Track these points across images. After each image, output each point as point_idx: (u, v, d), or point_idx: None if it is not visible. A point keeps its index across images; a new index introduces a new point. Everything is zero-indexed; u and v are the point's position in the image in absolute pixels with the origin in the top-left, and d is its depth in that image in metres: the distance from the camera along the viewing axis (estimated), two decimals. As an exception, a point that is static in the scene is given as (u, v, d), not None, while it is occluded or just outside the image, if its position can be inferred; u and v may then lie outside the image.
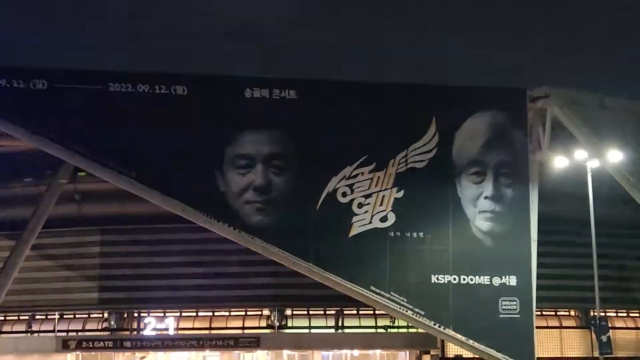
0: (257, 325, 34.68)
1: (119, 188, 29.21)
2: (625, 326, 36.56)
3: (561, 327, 35.66)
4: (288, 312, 34.87)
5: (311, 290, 32.14)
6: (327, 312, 34.84)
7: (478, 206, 30.14)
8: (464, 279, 29.55)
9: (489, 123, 30.43)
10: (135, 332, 34.26)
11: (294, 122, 29.49)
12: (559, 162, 28.76)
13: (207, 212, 28.70)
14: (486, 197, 30.15)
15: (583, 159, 27.91)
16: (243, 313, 35.01)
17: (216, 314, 35.04)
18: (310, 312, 34.88)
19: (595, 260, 27.47)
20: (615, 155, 28.15)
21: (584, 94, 31.00)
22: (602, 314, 28.99)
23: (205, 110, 29.21)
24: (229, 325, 34.69)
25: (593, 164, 27.80)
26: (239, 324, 34.80)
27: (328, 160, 29.49)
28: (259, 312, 35.05)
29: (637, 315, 37.13)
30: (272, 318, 34.52)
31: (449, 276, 29.52)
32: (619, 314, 36.71)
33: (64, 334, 34.17)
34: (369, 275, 29.07)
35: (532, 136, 31.02)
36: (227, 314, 35.05)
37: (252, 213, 28.86)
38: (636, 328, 36.69)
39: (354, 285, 28.88)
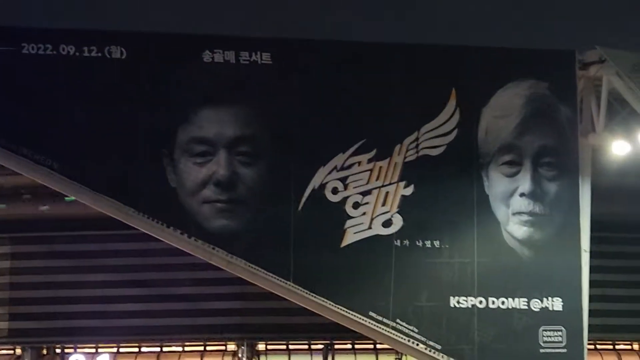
0: (219, 363, 34.00)
1: (36, 182, 28.87)
2: None
3: (621, 364, 35.07)
4: (261, 346, 34.76)
5: (291, 317, 32.24)
6: (313, 347, 34.74)
7: (512, 206, 29.87)
8: (493, 303, 29.38)
9: (526, 96, 30.12)
10: (59, 374, 33.28)
11: (268, 96, 29.18)
12: (619, 149, 28.65)
13: (153, 214, 28.27)
14: (522, 195, 29.85)
15: (651, 144, 27.37)
16: (201, 348, 34.80)
17: (165, 349, 34.79)
18: (291, 347, 34.78)
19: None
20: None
21: (654, 57, 30.28)
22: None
23: (150, 80, 28.83)
24: (182, 364, 33.97)
25: (664, 151, 27.19)
26: (196, 362, 34.03)
27: (314, 146, 29.27)
28: (222, 347, 34.88)
29: None
30: (240, 354, 34.36)
31: (473, 299, 29.40)
32: (698, 348, 36.30)
33: (-38, 377, 33.29)
34: (367, 298, 28.88)
35: (584, 114, 30.66)
36: (179, 349, 34.85)
37: (213, 216, 28.58)
38: None
39: (348, 311, 28.69)
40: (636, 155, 28.71)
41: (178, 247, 28.75)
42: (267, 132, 29.11)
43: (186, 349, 35.04)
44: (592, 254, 30.23)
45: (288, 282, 28.50)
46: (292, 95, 29.28)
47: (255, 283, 28.92)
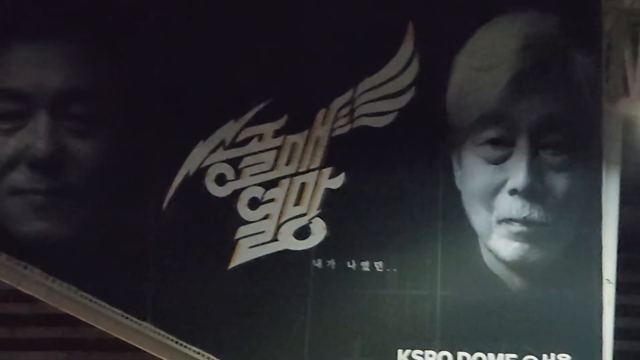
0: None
1: None
2: None
3: None
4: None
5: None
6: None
7: (497, 210, 23.83)
8: (465, 359, 23.61)
9: (524, 38, 24.28)
10: None
11: (106, 26, 23.23)
12: (668, 123, 23.90)
13: None
14: (514, 192, 23.79)
15: None
16: None
17: None
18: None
19: None
20: None
21: None
22: None
23: None
24: None
25: None
26: None
27: (188, 108, 23.76)
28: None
29: None
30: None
31: (433, 353, 23.58)
32: None
33: None
34: (268, 352, 23.33)
35: (611, 68, 25.02)
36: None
37: (27, 216, 22.97)
38: None
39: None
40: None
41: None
42: (110, 86, 23.48)
43: None
44: (621, 286, 24.57)
45: (143, 323, 22.69)
46: (144, 27, 23.84)
47: (94, 324, 22.84)
